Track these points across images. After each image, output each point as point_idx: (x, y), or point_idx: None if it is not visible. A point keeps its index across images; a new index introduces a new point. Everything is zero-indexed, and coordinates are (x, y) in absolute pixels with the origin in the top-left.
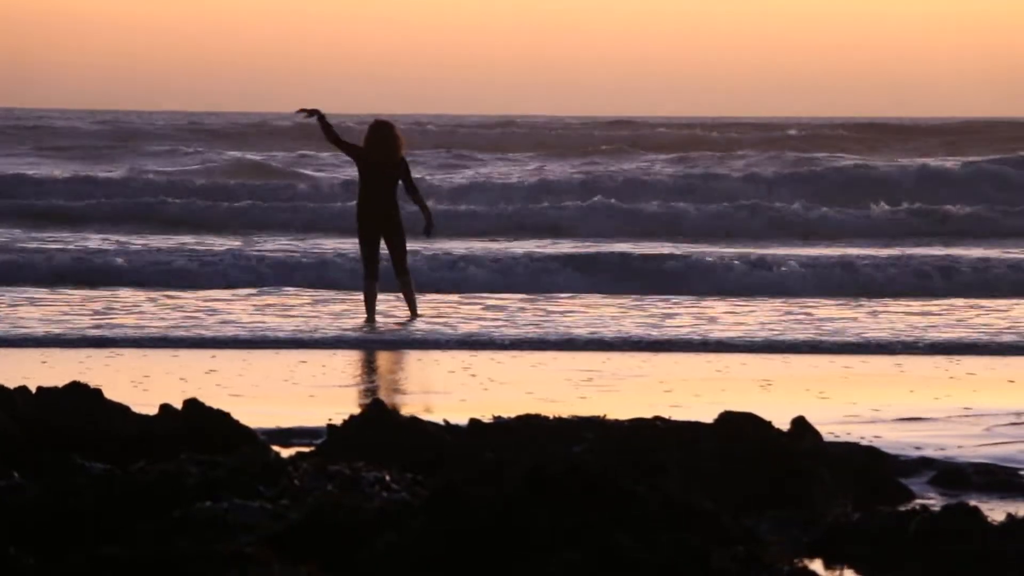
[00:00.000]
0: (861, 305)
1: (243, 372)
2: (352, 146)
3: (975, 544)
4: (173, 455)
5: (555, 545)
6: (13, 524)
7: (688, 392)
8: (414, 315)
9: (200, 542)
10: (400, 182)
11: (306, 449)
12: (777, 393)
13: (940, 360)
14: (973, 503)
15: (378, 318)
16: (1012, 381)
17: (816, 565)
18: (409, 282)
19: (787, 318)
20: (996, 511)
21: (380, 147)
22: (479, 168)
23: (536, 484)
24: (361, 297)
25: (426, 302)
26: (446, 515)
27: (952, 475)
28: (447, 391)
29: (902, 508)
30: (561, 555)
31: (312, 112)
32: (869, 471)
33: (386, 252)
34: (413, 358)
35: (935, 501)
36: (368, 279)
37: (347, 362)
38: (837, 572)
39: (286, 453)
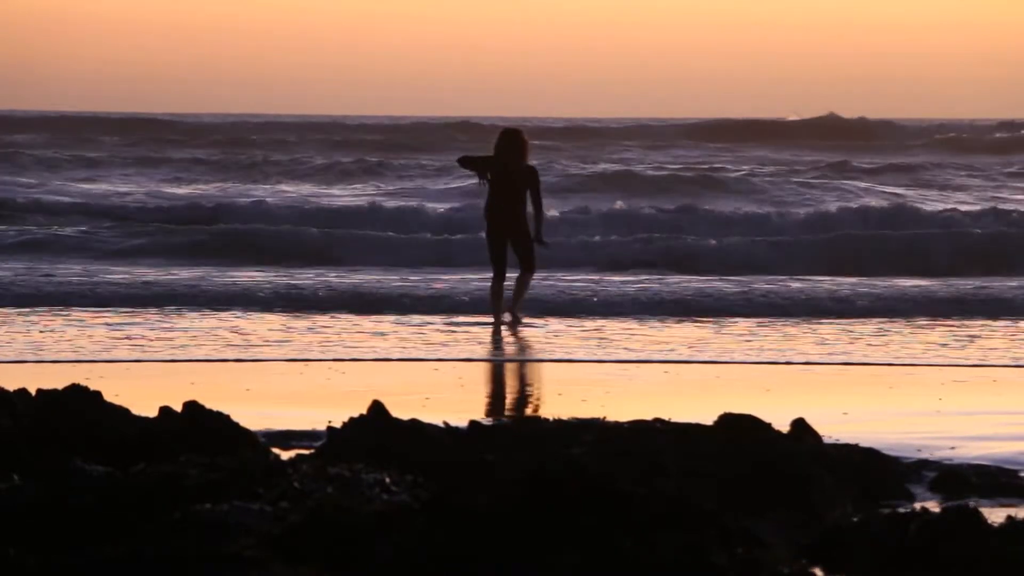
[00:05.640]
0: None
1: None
2: (480, 160)
3: (975, 546)
4: (173, 457)
5: (556, 547)
6: (13, 525)
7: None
8: (515, 316)
9: (200, 544)
10: (528, 190)
11: (306, 451)
12: (777, 396)
13: (939, 364)
14: (973, 505)
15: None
16: (1001, 384)
17: (815, 567)
18: (527, 280)
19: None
20: (996, 513)
21: (506, 153)
22: None
23: (536, 486)
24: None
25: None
26: (446, 517)
27: (952, 477)
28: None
29: (902, 510)
30: (562, 557)
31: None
32: (869, 473)
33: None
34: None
35: (935, 503)
36: (495, 279)
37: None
38: (836, 574)
39: (286, 455)
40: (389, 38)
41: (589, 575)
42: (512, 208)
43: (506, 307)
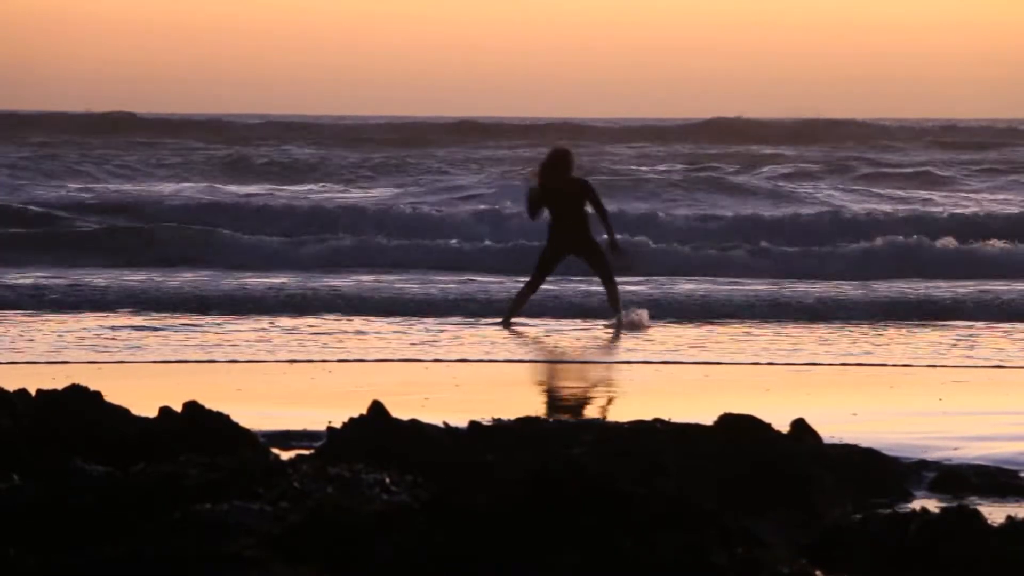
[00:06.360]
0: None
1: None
2: (535, 200)
3: (975, 546)
4: (173, 457)
5: (556, 547)
6: (13, 525)
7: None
8: (620, 322)
9: (200, 544)
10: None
11: (306, 451)
12: (777, 396)
13: (939, 365)
14: (973, 505)
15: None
16: (1001, 384)
17: (815, 567)
18: (614, 289)
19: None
20: (996, 513)
21: (551, 173)
22: None
23: (537, 486)
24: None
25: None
26: (446, 517)
27: (952, 477)
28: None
29: (901, 510)
30: (562, 557)
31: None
32: (869, 473)
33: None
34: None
35: (935, 503)
36: (528, 285)
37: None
38: (836, 574)
39: (286, 455)
40: (389, 38)
41: (589, 575)
42: (574, 225)
43: (613, 321)
